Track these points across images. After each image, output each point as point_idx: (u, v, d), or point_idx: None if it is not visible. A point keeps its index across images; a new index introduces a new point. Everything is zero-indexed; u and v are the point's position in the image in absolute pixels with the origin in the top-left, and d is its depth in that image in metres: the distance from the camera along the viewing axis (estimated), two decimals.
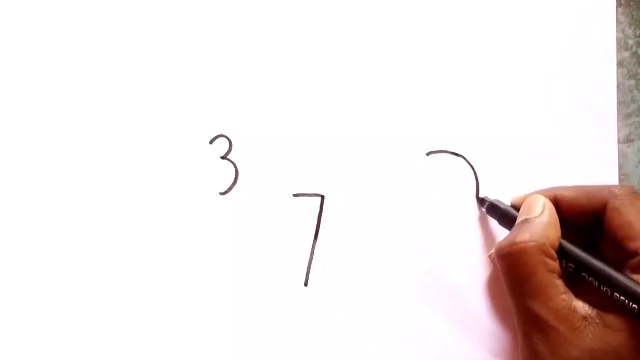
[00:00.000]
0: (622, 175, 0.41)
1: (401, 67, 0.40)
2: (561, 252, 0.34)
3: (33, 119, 0.39)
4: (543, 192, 0.36)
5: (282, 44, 0.40)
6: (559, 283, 0.32)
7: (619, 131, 0.41)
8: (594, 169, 0.40)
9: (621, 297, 0.31)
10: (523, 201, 0.36)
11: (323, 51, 0.40)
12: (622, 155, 0.41)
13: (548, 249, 0.33)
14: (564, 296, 0.32)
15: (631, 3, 0.42)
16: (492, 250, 0.37)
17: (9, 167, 0.39)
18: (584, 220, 0.35)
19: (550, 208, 0.35)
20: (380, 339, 0.39)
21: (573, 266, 0.33)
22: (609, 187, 0.35)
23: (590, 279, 0.33)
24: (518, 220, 0.35)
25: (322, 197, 0.40)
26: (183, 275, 0.39)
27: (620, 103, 0.41)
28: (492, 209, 0.38)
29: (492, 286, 0.39)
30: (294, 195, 0.40)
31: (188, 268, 0.39)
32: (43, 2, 0.40)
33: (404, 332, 0.39)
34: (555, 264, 0.33)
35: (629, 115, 0.41)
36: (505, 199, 0.38)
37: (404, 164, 0.40)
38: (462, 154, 0.40)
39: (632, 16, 0.42)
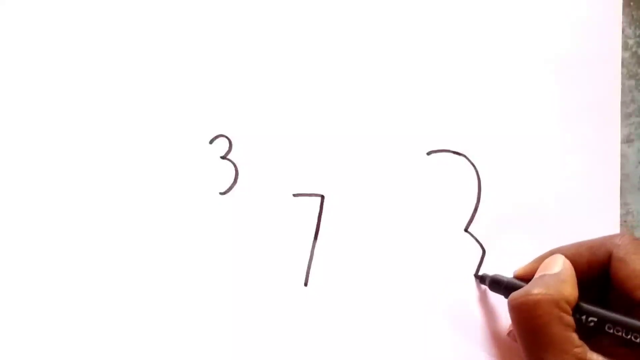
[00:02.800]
0: (622, 175, 0.41)
1: (401, 66, 0.40)
2: (579, 310, 0.33)
3: (33, 119, 0.39)
4: (543, 256, 0.36)
5: (282, 44, 0.40)
6: (574, 336, 0.32)
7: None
8: (596, 169, 0.40)
9: None
10: (526, 273, 0.36)
11: (323, 51, 0.40)
12: (622, 155, 0.41)
13: (563, 304, 0.32)
14: (578, 349, 0.32)
15: (631, 3, 0.42)
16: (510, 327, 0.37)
17: (9, 167, 0.39)
18: (588, 276, 0.35)
19: (569, 266, 0.34)
20: (380, 339, 0.39)
21: (595, 319, 0.33)
22: (609, 238, 0.35)
23: (616, 329, 0.33)
24: (536, 276, 0.35)
25: (322, 197, 0.40)
26: (183, 275, 0.39)
27: (620, 103, 0.41)
28: (496, 285, 0.37)
29: None
30: (294, 195, 0.40)
31: (188, 268, 0.39)
32: (43, 2, 0.40)
33: (404, 332, 0.39)
34: (570, 319, 0.32)
35: (629, 115, 0.41)
36: (507, 203, 0.38)
37: (404, 163, 0.40)
38: (463, 153, 0.40)
39: (632, 16, 0.42)
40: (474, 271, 0.39)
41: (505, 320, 0.39)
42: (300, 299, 0.39)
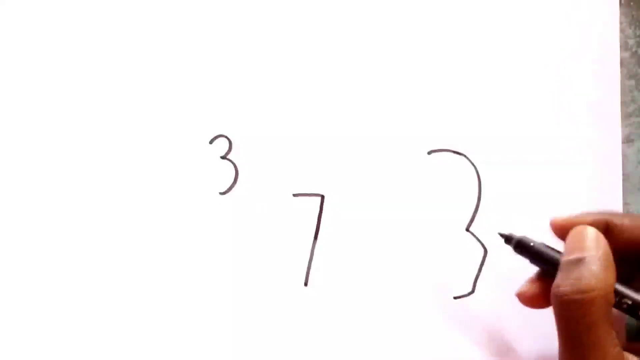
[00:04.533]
0: (622, 175, 0.41)
1: (401, 66, 0.40)
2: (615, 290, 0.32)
3: (33, 119, 0.39)
4: (592, 218, 0.34)
5: (282, 44, 0.40)
6: (614, 335, 0.31)
7: None
8: (597, 169, 0.40)
9: None
10: (567, 224, 0.34)
11: (323, 51, 0.40)
12: (622, 155, 0.41)
13: (612, 297, 0.31)
14: (618, 349, 0.31)
15: (631, 3, 0.42)
16: (524, 289, 0.35)
17: (9, 167, 0.39)
18: (630, 255, 0.33)
19: (606, 245, 0.32)
20: (381, 338, 0.39)
21: (630, 302, 0.32)
22: None
23: None
24: (569, 256, 0.32)
25: (322, 197, 0.40)
26: (183, 275, 0.39)
27: (620, 103, 0.41)
28: (523, 248, 0.35)
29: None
30: (294, 195, 0.40)
31: (188, 268, 0.39)
32: (43, 2, 0.40)
33: (404, 332, 0.39)
34: (611, 313, 0.31)
35: (629, 115, 0.41)
36: (507, 198, 0.38)
37: (405, 162, 0.40)
38: (463, 152, 0.40)
39: (632, 16, 0.42)
40: (475, 271, 0.39)
41: (505, 319, 0.39)
42: (300, 299, 0.39)
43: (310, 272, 0.39)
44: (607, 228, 0.33)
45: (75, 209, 0.39)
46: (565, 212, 0.35)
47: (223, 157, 0.40)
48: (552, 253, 0.34)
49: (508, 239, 0.36)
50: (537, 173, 0.40)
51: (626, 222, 0.34)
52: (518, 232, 0.36)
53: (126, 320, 0.38)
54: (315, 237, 0.39)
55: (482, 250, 0.39)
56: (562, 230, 0.34)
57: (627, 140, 0.41)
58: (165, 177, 0.39)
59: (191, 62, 0.40)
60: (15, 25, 0.40)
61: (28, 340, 0.38)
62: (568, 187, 0.40)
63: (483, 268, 0.39)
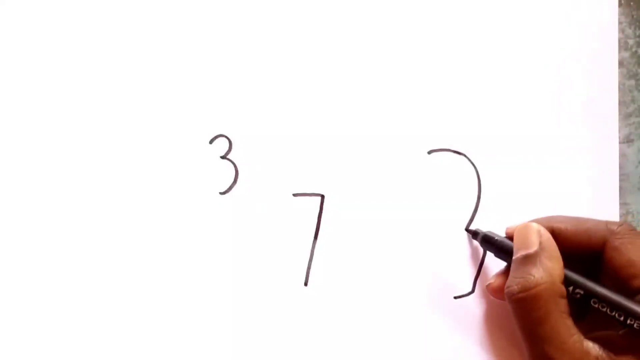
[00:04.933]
0: (622, 175, 0.41)
1: (401, 66, 0.40)
2: (567, 281, 0.33)
3: (33, 119, 0.39)
4: (538, 222, 0.36)
5: (282, 44, 0.40)
6: (570, 324, 0.32)
7: (619, 131, 0.41)
8: (596, 169, 0.40)
9: (635, 323, 0.32)
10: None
11: (323, 51, 0.40)
12: (622, 155, 0.41)
13: (559, 287, 0.33)
14: (575, 337, 0.32)
15: (631, 3, 0.42)
16: (491, 281, 0.37)
17: (9, 167, 0.39)
18: (580, 255, 0.35)
19: (549, 239, 0.34)
20: (380, 338, 0.39)
21: (582, 292, 0.33)
22: (607, 223, 0.35)
23: (601, 305, 0.33)
24: (516, 255, 0.35)
25: (322, 197, 0.40)
26: (183, 275, 0.39)
27: (620, 103, 0.41)
28: (487, 242, 0.37)
29: None
30: (294, 195, 0.40)
31: (188, 268, 0.39)
32: (43, 2, 0.40)
33: (404, 331, 0.39)
34: (565, 302, 0.33)
35: (629, 115, 0.41)
36: (507, 198, 0.38)
37: (405, 162, 0.40)
38: (463, 152, 0.40)
39: (632, 16, 0.42)
40: (475, 270, 0.39)
41: (505, 319, 0.39)
42: (300, 299, 0.39)
43: (310, 272, 0.39)
44: (552, 233, 0.35)
45: (75, 209, 0.39)
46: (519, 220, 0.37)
47: (223, 157, 0.40)
48: (511, 245, 0.35)
49: (475, 234, 0.38)
50: (537, 173, 0.40)
51: (570, 227, 0.35)
52: (485, 228, 0.38)
53: (126, 320, 0.38)
54: (315, 237, 0.39)
55: (482, 250, 0.39)
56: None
57: (627, 140, 0.41)
58: (165, 177, 0.39)
59: (191, 63, 0.40)
60: (15, 25, 0.40)
61: (28, 340, 0.38)
62: (566, 186, 0.40)
63: (483, 268, 0.39)
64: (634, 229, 0.35)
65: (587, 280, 0.34)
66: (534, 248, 0.34)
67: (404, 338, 0.39)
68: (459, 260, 0.39)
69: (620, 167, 0.40)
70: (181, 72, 0.40)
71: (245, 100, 0.40)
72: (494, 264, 0.39)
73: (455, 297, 0.39)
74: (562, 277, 0.33)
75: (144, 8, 0.40)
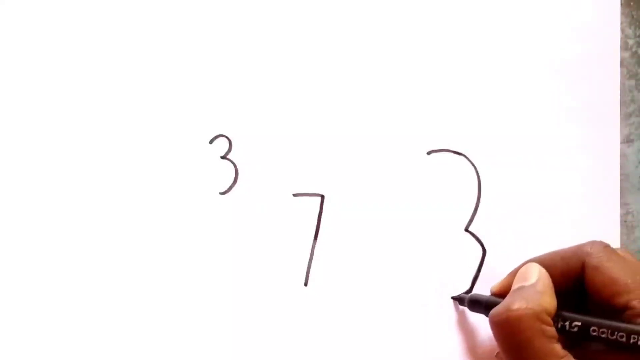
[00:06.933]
0: (622, 175, 0.41)
1: (401, 66, 0.40)
2: (561, 317, 0.33)
3: (33, 119, 0.39)
4: (517, 268, 0.36)
5: (282, 44, 0.40)
6: (557, 347, 0.32)
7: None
8: (596, 169, 0.40)
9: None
10: (503, 288, 0.36)
11: (323, 51, 0.40)
12: (622, 155, 0.41)
13: (544, 316, 0.32)
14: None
15: (631, 3, 0.42)
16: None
17: (9, 167, 0.39)
18: (564, 286, 0.35)
19: (545, 276, 0.34)
20: (380, 338, 0.39)
21: (579, 324, 0.33)
22: (579, 247, 0.35)
23: (601, 332, 0.32)
24: (513, 287, 0.35)
25: (322, 197, 0.40)
26: (183, 275, 0.39)
27: (620, 103, 0.41)
28: (475, 304, 0.37)
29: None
30: (294, 195, 0.40)
31: (188, 268, 0.39)
32: (43, 2, 0.40)
33: (404, 332, 0.39)
34: (552, 330, 0.32)
35: (629, 115, 0.41)
36: (507, 198, 0.38)
37: (404, 162, 0.40)
38: (463, 152, 0.40)
39: (632, 16, 0.42)
40: (474, 270, 0.39)
41: None
42: (300, 299, 0.39)
43: (310, 272, 0.39)
44: None
45: (75, 209, 0.39)
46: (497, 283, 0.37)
47: (223, 157, 0.40)
48: (499, 301, 0.34)
49: (461, 301, 0.38)
50: (537, 173, 0.40)
51: (546, 260, 0.35)
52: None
53: (126, 320, 0.38)
54: (315, 237, 0.39)
55: (481, 250, 0.39)
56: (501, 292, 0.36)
57: (627, 140, 0.41)
58: (165, 177, 0.39)
59: (191, 63, 0.40)
60: (15, 25, 0.40)
61: (28, 340, 0.38)
62: (567, 186, 0.40)
63: (482, 268, 0.39)
64: (607, 246, 0.34)
65: (579, 314, 0.33)
66: (531, 281, 0.34)
67: (404, 338, 0.39)
68: (458, 261, 0.39)
69: (620, 167, 0.40)
70: (181, 72, 0.40)
71: (245, 100, 0.40)
72: (493, 264, 0.39)
73: (453, 298, 0.39)
74: (552, 310, 0.33)
75: (144, 8, 0.40)
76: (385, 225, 0.39)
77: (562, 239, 0.37)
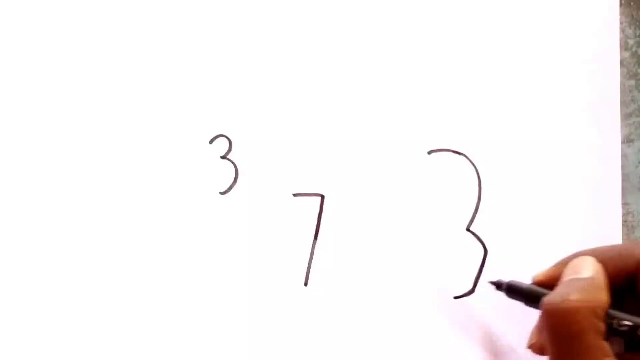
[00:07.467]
0: (622, 175, 0.41)
1: (402, 66, 0.40)
2: (609, 315, 0.32)
3: (33, 119, 0.39)
4: (566, 259, 0.35)
5: (282, 44, 0.40)
6: (606, 346, 0.31)
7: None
8: (597, 169, 0.40)
9: None
10: (548, 278, 0.35)
11: (323, 51, 0.40)
12: (622, 155, 0.41)
13: (600, 312, 0.32)
14: (609, 359, 0.31)
15: (631, 3, 0.42)
16: (532, 340, 0.36)
17: (9, 167, 0.39)
18: (614, 282, 0.34)
19: (601, 270, 0.33)
20: (380, 338, 0.39)
21: (630, 324, 0.32)
22: (637, 243, 0.35)
23: None
24: (565, 278, 0.34)
25: (322, 197, 0.40)
26: (183, 275, 0.38)
27: (620, 103, 0.41)
28: (515, 291, 0.36)
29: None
30: (294, 195, 0.40)
31: (188, 268, 0.39)
32: (43, 2, 0.40)
33: (404, 332, 0.39)
34: (603, 327, 0.32)
35: (629, 115, 0.41)
36: (507, 198, 0.38)
37: (405, 162, 0.40)
38: (463, 152, 0.40)
39: (632, 16, 0.42)
40: (475, 271, 0.39)
41: (505, 319, 0.39)
42: (300, 298, 0.39)
43: (310, 272, 0.39)
44: None
45: (75, 209, 0.39)
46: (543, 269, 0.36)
47: (223, 157, 0.40)
48: (543, 291, 0.34)
49: (498, 286, 0.36)
50: (537, 173, 0.40)
51: (600, 255, 0.34)
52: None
53: (126, 320, 0.38)
54: (315, 237, 0.39)
55: (482, 250, 0.39)
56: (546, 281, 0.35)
57: (627, 140, 0.41)
58: (165, 177, 0.39)
59: (191, 62, 0.40)
60: (15, 25, 0.40)
61: (28, 340, 0.38)
62: (568, 186, 0.40)
63: (483, 268, 0.39)
64: None
65: (629, 315, 0.32)
66: (586, 274, 0.33)
67: (404, 338, 0.39)
68: (459, 260, 0.39)
69: (620, 167, 0.40)
70: (181, 72, 0.40)
71: (245, 100, 0.40)
72: (494, 264, 0.39)
73: (455, 297, 0.39)
74: (607, 307, 0.32)
75: (144, 8, 0.40)
76: (386, 225, 0.39)
77: (562, 238, 0.37)
